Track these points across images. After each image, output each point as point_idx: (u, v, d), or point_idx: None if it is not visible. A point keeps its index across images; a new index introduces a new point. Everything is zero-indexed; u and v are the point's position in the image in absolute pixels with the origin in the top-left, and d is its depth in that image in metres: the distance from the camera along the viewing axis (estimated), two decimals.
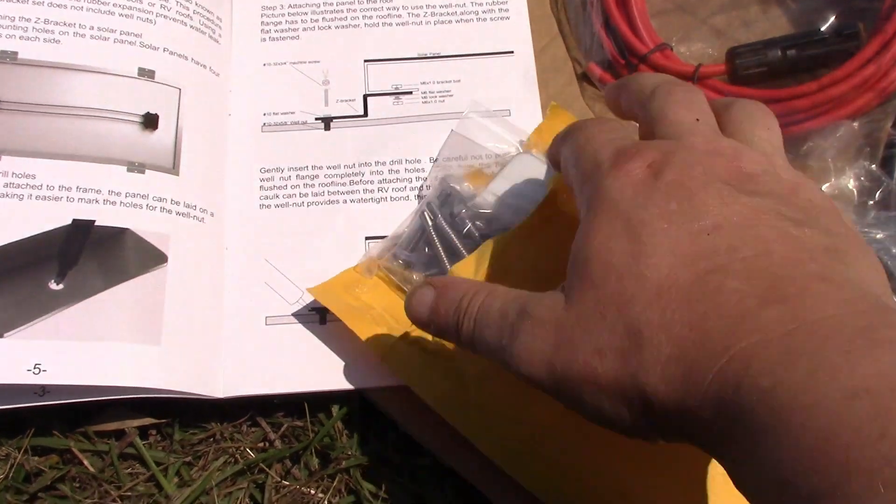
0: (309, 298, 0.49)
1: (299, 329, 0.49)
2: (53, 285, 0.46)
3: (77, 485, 0.47)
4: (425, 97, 0.55)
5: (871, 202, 0.50)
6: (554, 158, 0.41)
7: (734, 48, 0.54)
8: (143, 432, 0.48)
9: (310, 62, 0.57)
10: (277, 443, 0.48)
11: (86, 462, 0.47)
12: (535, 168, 0.50)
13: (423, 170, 0.53)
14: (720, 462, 0.29)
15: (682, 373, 0.29)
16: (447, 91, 0.55)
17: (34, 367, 0.43)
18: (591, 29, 0.56)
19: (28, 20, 0.51)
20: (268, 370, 0.48)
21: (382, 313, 0.48)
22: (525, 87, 0.56)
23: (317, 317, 0.49)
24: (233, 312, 0.49)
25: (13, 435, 0.47)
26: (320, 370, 0.47)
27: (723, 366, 0.28)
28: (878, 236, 0.49)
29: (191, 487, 0.47)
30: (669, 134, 0.35)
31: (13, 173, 0.47)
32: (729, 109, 0.37)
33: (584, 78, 0.56)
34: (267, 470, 0.47)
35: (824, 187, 0.51)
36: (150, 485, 0.47)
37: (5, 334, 0.44)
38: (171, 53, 0.53)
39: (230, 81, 0.56)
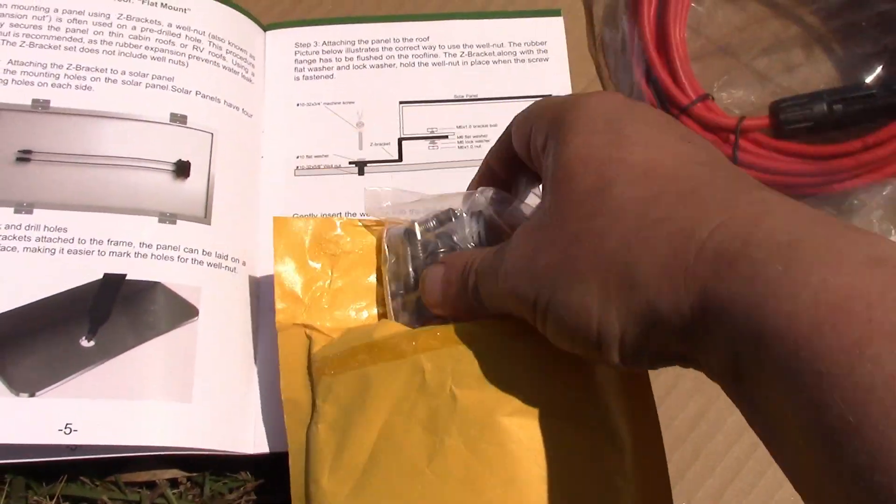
0: None
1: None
2: (84, 342, 0.45)
3: None
4: (461, 142, 0.54)
5: None
6: (521, 134, 0.39)
7: (778, 101, 0.53)
8: (174, 482, 0.48)
9: (344, 103, 0.56)
10: None
11: None
12: None
13: None
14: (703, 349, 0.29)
15: (672, 231, 0.29)
16: (483, 136, 0.54)
17: (65, 427, 0.43)
18: (630, 75, 0.55)
19: (60, 67, 0.51)
20: None
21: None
22: None
23: None
24: (265, 365, 0.49)
25: (45, 483, 0.47)
26: None
27: (725, 221, 0.28)
28: None
29: None
30: None
31: (45, 227, 0.47)
32: None
33: None
34: None
35: None
36: None
37: (37, 393, 0.44)
38: (204, 97, 0.53)
39: (263, 122, 0.55)
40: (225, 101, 0.53)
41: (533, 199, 0.44)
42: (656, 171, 0.31)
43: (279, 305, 0.45)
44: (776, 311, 0.25)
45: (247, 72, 0.55)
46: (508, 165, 0.42)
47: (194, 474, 0.48)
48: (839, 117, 0.52)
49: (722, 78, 0.55)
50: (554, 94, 0.55)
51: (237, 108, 0.54)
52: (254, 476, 0.48)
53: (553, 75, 0.56)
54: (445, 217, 0.44)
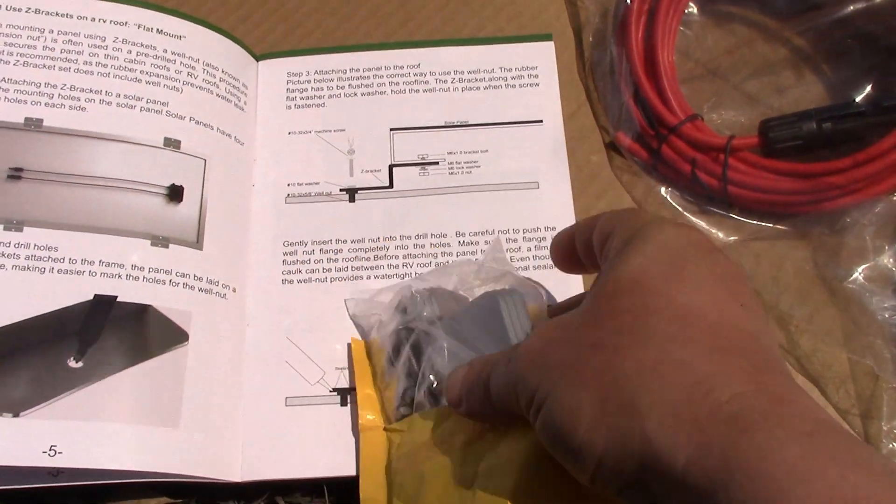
0: (331, 379, 0.48)
1: (320, 410, 0.48)
2: (72, 363, 0.45)
3: None
4: (452, 168, 0.54)
5: None
6: (584, 238, 0.40)
7: (767, 120, 0.53)
8: None
9: (335, 130, 0.56)
10: None
11: None
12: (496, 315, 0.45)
13: (449, 244, 0.52)
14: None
15: (692, 381, 0.29)
16: (474, 162, 0.55)
17: (50, 449, 0.42)
18: (619, 98, 0.55)
19: (54, 87, 0.51)
20: (287, 453, 0.47)
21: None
22: (554, 157, 0.54)
23: (338, 398, 0.48)
24: (252, 393, 0.48)
25: None
26: (341, 454, 0.46)
27: (747, 392, 0.28)
28: None
29: None
30: None
31: (35, 245, 0.47)
32: None
33: (612, 147, 0.55)
34: None
35: (862, 267, 0.50)
36: None
37: (22, 413, 0.43)
38: (198, 123, 0.53)
39: (255, 150, 0.55)
40: (218, 129, 0.53)
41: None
42: (697, 317, 0.31)
43: (363, 412, 0.46)
44: (788, 490, 0.25)
45: (239, 100, 0.55)
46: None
47: (180, 501, 0.47)
48: (829, 135, 0.52)
49: (711, 100, 0.56)
50: (545, 120, 0.56)
51: (229, 136, 0.54)
52: None
53: (544, 100, 0.56)
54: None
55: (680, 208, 0.53)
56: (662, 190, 0.54)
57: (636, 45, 0.55)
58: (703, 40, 0.58)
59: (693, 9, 0.58)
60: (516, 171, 0.54)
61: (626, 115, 0.55)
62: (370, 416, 0.46)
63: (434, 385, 0.43)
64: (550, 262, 0.44)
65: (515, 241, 0.52)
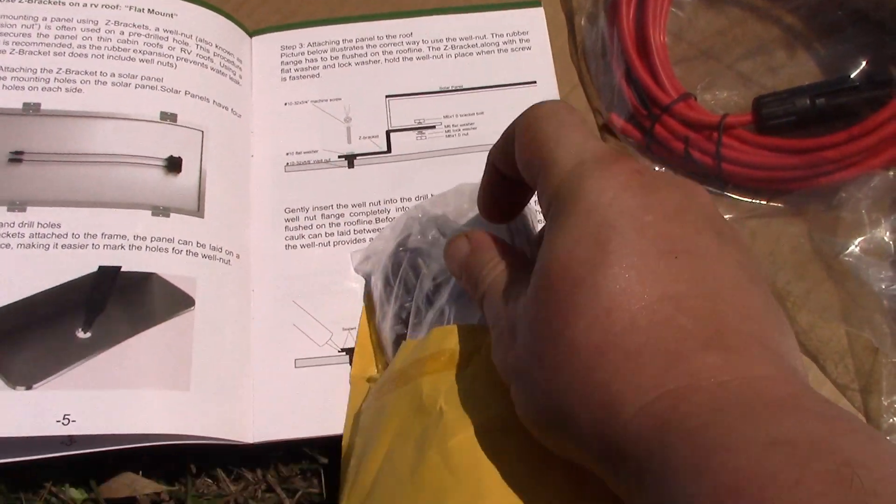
0: (339, 339, 0.48)
1: (330, 371, 0.48)
2: (81, 334, 0.45)
3: None
4: (448, 131, 0.55)
5: None
6: (505, 148, 0.38)
7: (760, 97, 0.53)
8: (157, 498, 0.47)
9: (331, 100, 0.56)
10: None
11: None
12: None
13: None
14: (623, 495, 0.29)
15: (606, 401, 0.29)
16: (470, 124, 0.55)
17: (63, 418, 0.43)
18: (611, 79, 0.55)
19: (50, 71, 0.51)
20: (298, 414, 0.47)
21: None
22: None
23: (346, 358, 0.48)
24: (261, 356, 0.49)
25: (24, 502, 0.47)
26: None
27: (651, 402, 0.28)
28: None
29: None
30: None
31: (38, 223, 0.47)
32: None
33: (606, 129, 0.55)
34: None
35: (858, 240, 0.49)
36: None
37: (34, 386, 0.43)
38: (193, 96, 0.53)
39: (252, 122, 0.55)
40: (214, 101, 0.54)
41: None
42: (617, 314, 0.30)
43: (355, 364, 0.46)
44: (682, 494, 0.25)
45: (234, 74, 0.56)
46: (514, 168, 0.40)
47: (175, 488, 0.47)
48: (823, 111, 0.52)
49: (705, 80, 0.55)
50: (539, 81, 0.56)
51: (226, 108, 0.54)
52: (238, 484, 0.47)
53: (536, 63, 0.57)
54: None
55: None
56: (656, 170, 0.52)
57: (627, 25, 0.55)
58: (694, 21, 0.58)
59: None
60: None
61: (619, 97, 0.55)
62: (361, 368, 0.46)
63: (431, 289, 0.43)
64: None
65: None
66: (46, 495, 0.47)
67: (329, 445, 0.47)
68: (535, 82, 0.56)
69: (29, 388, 0.43)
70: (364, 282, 0.50)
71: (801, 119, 0.52)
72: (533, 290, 0.32)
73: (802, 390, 0.28)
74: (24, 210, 0.47)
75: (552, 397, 0.31)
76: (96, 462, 0.47)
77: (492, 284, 0.37)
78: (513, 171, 0.37)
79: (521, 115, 0.36)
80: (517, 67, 0.57)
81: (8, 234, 0.47)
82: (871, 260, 0.48)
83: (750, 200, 0.52)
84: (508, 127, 0.37)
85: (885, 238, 0.48)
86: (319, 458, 0.47)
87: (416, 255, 0.45)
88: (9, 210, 0.47)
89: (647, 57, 0.54)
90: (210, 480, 0.48)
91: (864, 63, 0.53)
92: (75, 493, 0.47)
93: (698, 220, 0.32)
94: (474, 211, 0.47)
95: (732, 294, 0.30)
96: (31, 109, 0.50)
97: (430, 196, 0.52)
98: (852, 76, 0.52)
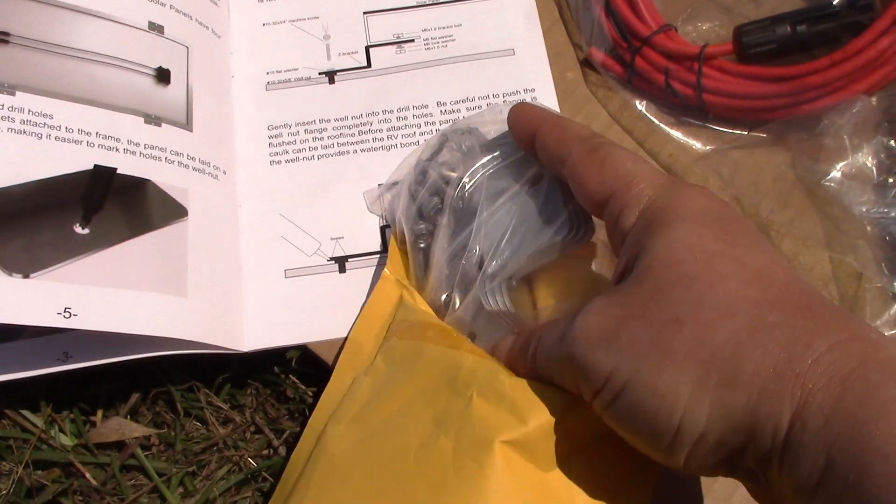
0: (327, 249, 0.49)
1: (319, 279, 0.49)
2: (79, 229, 0.44)
3: (80, 498, 0.46)
4: (427, 44, 0.56)
5: (892, 180, 0.49)
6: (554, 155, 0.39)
7: (741, 26, 0.52)
8: (145, 445, 0.47)
9: (309, 18, 0.57)
10: (281, 450, 0.47)
11: (88, 475, 0.46)
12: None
13: (431, 115, 0.53)
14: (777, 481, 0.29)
15: (792, 338, 0.28)
16: (449, 36, 0.56)
17: (64, 311, 0.42)
18: (591, 13, 0.55)
19: None
20: (290, 322, 0.47)
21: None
22: (527, 27, 0.56)
23: (336, 266, 0.49)
24: (252, 267, 0.49)
25: (14, 450, 0.46)
26: (343, 318, 0.47)
27: (845, 339, 0.28)
28: None
29: (194, 498, 0.46)
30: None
31: (29, 110, 0.45)
32: None
33: (587, 64, 0.55)
34: (270, 479, 0.46)
35: (840, 165, 0.49)
36: (153, 496, 0.46)
37: (32, 274, 0.42)
38: (178, 11, 0.52)
39: (231, 44, 0.55)
40: (196, 20, 0.53)
41: None
42: (771, 277, 0.30)
43: (389, 266, 0.45)
44: (885, 433, 0.25)
45: None
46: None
47: (164, 430, 0.47)
48: (804, 38, 0.51)
49: (686, 12, 0.55)
50: None
51: (207, 28, 0.54)
52: (225, 428, 0.48)
53: None
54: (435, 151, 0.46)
55: (656, 120, 0.53)
56: (637, 103, 0.54)
57: None
58: None
59: None
60: (491, 41, 0.56)
61: (599, 31, 0.55)
62: (391, 271, 0.46)
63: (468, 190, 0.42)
64: None
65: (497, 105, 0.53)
66: (36, 442, 0.46)
67: (317, 378, 0.47)
68: None
69: (26, 276, 0.42)
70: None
71: (783, 47, 0.51)
72: (652, 265, 0.32)
73: None
74: (13, 94, 0.45)
75: (716, 351, 0.29)
76: (88, 400, 0.47)
77: (550, 325, 0.37)
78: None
79: (571, 145, 0.38)
80: None
81: None
82: (852, 184, 0.49)
83: (731, 131, 0.52)
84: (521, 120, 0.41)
85: (868, 163, 0.49)
86: (307, 398, 0.48)
87: (444, 168, 0.44)
88: None
89: None
90: (199, 424, 0.48)
91: None
92: (65, 439, 0.47)
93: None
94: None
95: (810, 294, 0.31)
96: None
97: (411, 108, 0.53)
98: (834, 2, 0.51)
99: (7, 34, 0.47)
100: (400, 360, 0.41)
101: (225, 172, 0.50)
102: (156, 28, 0.51)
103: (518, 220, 0.41)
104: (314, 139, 0.53)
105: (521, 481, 0.35)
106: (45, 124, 0.46)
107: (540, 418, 0.35)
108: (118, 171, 0.46)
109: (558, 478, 0.36)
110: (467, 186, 0.42)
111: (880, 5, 0.50)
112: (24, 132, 0.45)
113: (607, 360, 0.31)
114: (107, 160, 0.46)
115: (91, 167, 0.46)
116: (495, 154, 0.43)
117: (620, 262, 0.35)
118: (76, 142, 0.46)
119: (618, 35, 0.54)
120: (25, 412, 0.47)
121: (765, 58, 0.52)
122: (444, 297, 0.43)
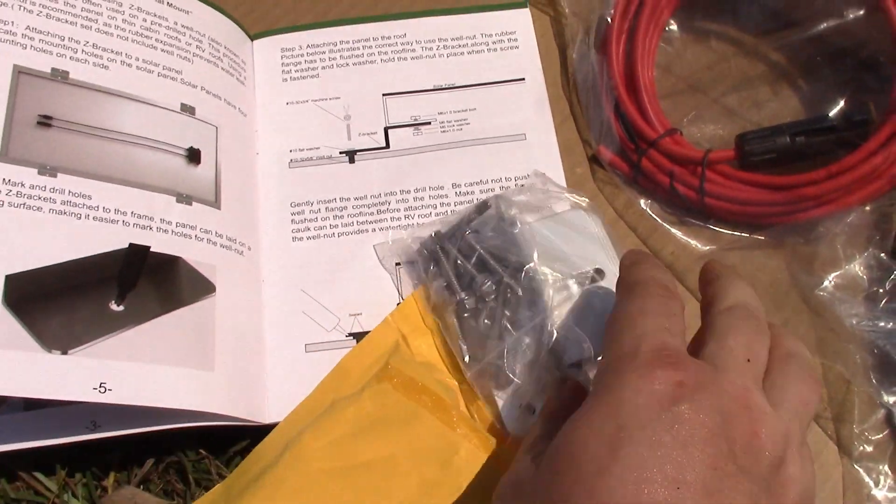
0: (346, 325, 0.51)
1: (338, 354, 0.50)
2: (114, 306, 0.46)
3: None
4: (443, 126, 0.58)
5: (881, 291, 0.50)
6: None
7: (743, 134, 0.54)
8: None
9: (331, 99, 0.59)
10: None
11: None
12: (583, 224, 0.50)
13: (447, 196, 0.56)
14: None
15: None
16: (464, 119, 0.59)
17: (100, 386, 0.44)
18: (601, 112, 0.57)
19: (77, 42, 0.52)
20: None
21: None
22: (538, 111, 0.59)
23: (353, 342, 0.51)
24: (274, 342, 0.51)
25: None
26: None
27: None
28: (889, 326, 0.49)
29: None
30: (718, 358, 0.35)
31: (70, 192, 0.48)
32: (785, 361, 0.37)
33: (595, 160, 0.57)
34: None
35: (833, 275, 0.51)
36: None
37: (70, 351, 0.44)
38: (208, 92, 0.55)
39: (256, 122, 0.58)
40: (225, 100, 0.56)
41: None
42: None
43: (396, 313, 0.51)
44: None
45: (240, 75, 0.58)
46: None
47: (175, 501, 0.48)
48: (802, 149, 0.53)
49: (692, 113, 0.57)
50: (527, 78, 0.60)
51: (234, 107, 0.57)
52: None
53: (524, 60, 0.61)
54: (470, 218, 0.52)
55: (659, 219, 0.55)
56: (642, 202, 0.55)
57: (617, 61, 0.58)
58: (683, 56, 0.60)
59: (673, 26, 0.60)
60: (504, 125, 0.58)
61: (608, 130, 0.57)
62: (394, 318, 0.50)
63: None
64: None
65: (508, 187, 0.56)
66: None
67: None
68: (523, 79, 0.60)
69: (64, 352, 0.44)
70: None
71: (782, 156, 0.54)
72: (549, 456, 0.34)
73: None
74: (55, 176, 0.48)
75: None
76: (101, 464, 0.49)
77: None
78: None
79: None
80: (506, 65, 0.61)
81: (39, 198, 0.47)
82: (843, 296, 0.50)
83: (731, 233, 0.54)
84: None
85: (859, 273, 0.51)
86: None
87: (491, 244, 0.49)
88: (39, 173, 0.48)
89: (635, 93, 0.57)
90: None
91: (842, 102, 0.55)
92: None
93: (721, 453, 0.31)
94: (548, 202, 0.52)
95: None
96: (60, 76, 0.51)
97: (427, 189, 0.56)
98: (831, 115, 0.54)
99: (50, 118, 0.49)
100: (393, 411, 0.46)
101: (250, 248, 0.53)
102: (187, 109, 0.54)
103: (597, 314, 0.45)
104: (335, 217, 0.55)
105: None
106: (84, 205, 0.48)
107: None
108: (151, 249, 0.49)
109: None
110: (531, 273, 0.47)
111: (876, 117, 0.52)
112: (65, 213, 0.47)
113: None
114: (141, 238, 0.49)
115: (126, 245, 0.48)
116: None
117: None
118: (113, 221, 0.48)
119: (626, 136, 0.56)
120: (39, 475, 0.48)
121: (765, 165, 0.54)
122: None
